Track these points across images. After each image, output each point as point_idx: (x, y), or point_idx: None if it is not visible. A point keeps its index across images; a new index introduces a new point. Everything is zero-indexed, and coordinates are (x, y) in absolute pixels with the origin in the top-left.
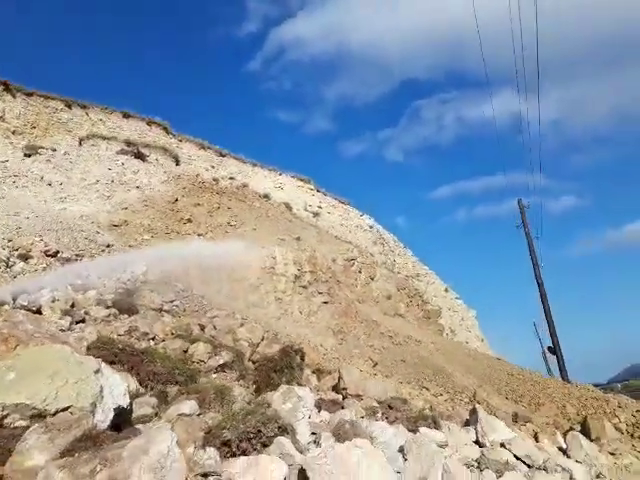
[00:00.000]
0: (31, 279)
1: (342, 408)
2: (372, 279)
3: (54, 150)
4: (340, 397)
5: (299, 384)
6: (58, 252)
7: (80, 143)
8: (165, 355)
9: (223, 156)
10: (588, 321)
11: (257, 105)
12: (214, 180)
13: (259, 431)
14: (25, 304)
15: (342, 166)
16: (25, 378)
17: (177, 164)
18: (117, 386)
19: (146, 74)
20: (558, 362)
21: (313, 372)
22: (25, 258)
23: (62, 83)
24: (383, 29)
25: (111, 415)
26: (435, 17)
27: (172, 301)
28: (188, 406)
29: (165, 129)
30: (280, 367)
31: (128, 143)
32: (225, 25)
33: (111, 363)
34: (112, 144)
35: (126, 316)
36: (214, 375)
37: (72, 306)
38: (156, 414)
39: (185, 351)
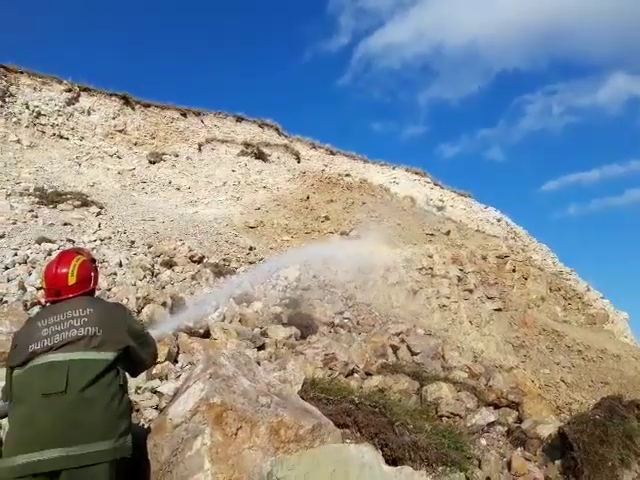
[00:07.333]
0: (187, 294)
1: None
2: (526, 279)
3: (177, 156)
4: None
5: None
6: (204, 257)
7: (199, 148)
8: (405, 409)
9: (333, 154)
10: None
11: (349, 119)
12: (339, 175)
13: None
14: (190, 325)
15: (439, 168)
16: None
17: (298, 161)
18: None
19: (232, 90)
20: None
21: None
22: (170, 265)
23: (173, 92)
24: (477, 25)
25: None
26: (529, 6)
27: (341, 312)
28: None
29: (277, 130)
30: (611, 435)
31: (246, 144)
32: (315, 41)
33: (342, 426)
34: (230, 147)
35: (315, 338)
36: (483, 441)
37: (240, 322)
38: None
39: (417, 393)
